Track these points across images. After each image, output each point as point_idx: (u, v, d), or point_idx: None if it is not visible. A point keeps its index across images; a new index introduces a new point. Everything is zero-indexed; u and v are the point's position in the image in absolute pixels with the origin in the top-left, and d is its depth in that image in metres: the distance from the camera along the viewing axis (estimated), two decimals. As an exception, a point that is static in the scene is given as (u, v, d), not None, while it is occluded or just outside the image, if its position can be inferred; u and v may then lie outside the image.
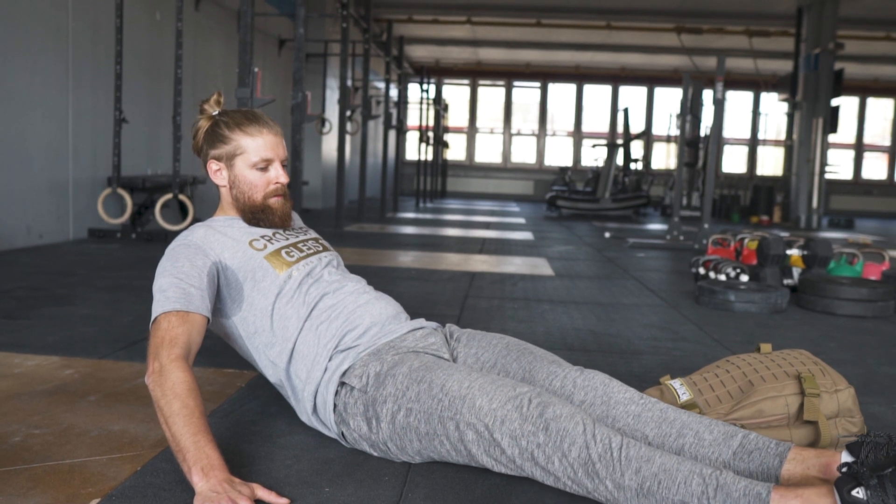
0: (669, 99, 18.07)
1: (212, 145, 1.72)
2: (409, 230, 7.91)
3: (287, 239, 1.74)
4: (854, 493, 1.17)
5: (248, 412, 1.80)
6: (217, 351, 2.27)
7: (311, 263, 1.70)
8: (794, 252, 4.28)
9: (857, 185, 18.17)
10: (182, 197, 5.55)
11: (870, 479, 1.17)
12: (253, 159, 1.70)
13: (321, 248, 1.78)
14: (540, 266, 5.08)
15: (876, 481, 1.17)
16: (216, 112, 1.76)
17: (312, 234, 1.85)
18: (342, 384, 1.55)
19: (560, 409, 1.34)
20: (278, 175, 1.73)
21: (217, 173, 1.74)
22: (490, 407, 1.37)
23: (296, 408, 1.65)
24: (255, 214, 1.73)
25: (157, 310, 1.51)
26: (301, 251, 1.72)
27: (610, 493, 1.28)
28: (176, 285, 1.53)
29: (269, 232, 1.74)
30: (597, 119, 18.79)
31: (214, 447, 1.30)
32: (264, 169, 1.72)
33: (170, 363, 1.40)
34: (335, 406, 1.55)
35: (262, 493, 1.29)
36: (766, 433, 1.54)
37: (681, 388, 1.65)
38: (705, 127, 11.26)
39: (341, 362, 1.56)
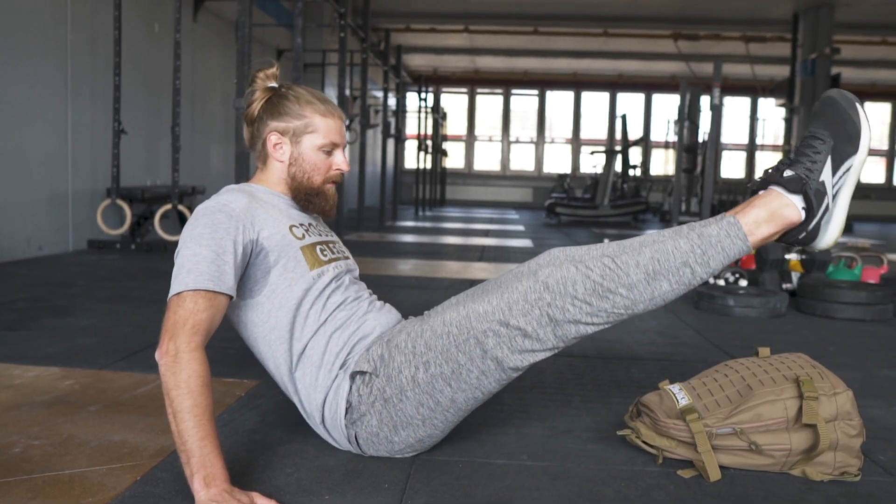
0: (667, 105, 18.10)
1: (277, 117, 1.65)
2: (408, 238, 7.91)
3: (320, 235, 1.69)
4: (785, 174, 1.47)
5: (248, 421, 1.80)
6: (217, 360, 2.27)
7: (340, 268, 1.66)
8: (792, 256, 4.29)
9: (856, 190, 18.03)
10: (181, 207, 5.56)
11: (789, 157, 1.49)
12: (322, 141, 1.65)
13: (345, 255, 1.75)
14: (539, 273, 5.07)
15: (794, 155, 1.49)
16: (273, 84, 1.68)
17: (335, 237, 1.80)
18: (354, 376, 1.53)
19: (547, 269, 1.48)
20: (341, 162, 1.69)
21: (277, 147, 1.66)
22: (492, 305, 1.47)
23: (299, 407, 1.60)
24: (308, 197, 1.68)
25: (186, 282, 1.40)
26: (333, 252, 1.68)
27: (626, 299, 1.45)
28: (212, 260, 1.43)
29: (306, 220, 1.68)
30: (595, 126, 18.83)
31: (219, 454, 1.30)
32: (329, 153, 1.68)
33: (189, 352, 1.34)
34: (348, 407, 1.53)
35: (261, 501, 1.29)
36: (766, 437, 1.54)
37: (679, 392, 1.65)
38: (703, 133, 11.27)
39: (349, 369, 1.56)
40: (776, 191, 1.48)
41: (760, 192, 1.51)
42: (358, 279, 1.76)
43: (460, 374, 1.47)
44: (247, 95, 1.69)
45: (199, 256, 1.43)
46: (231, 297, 1.46)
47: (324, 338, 1.57)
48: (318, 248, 1.63)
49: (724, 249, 1.46)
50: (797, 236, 1.49)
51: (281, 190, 1.69)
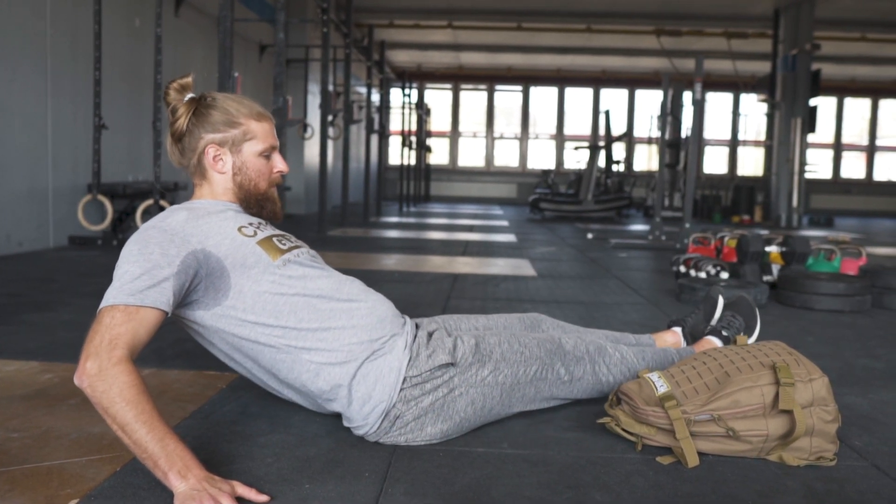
0: (650, 101, 18.20)
1: (211, 129, 1.61)
2: (392, 234, 7.91)
3: (273, 229, 1.68)
4: (723, 332, 2.18)
5: (229, 412, 1.80)
6: (198, 353, 2.26)
7: (303, 253, 1.64)
8: (773, 249, 4.32)
9: (837, 184, 18.37)
10: (163, 203, 5.52)
11: (724, 322, 2.21)
12: (262, 146, 1.64)
13: (302, 243, 1.72)
14: (523, 267, 5.10)
15: (725, 321, 2.21)
16: (191, 94, 1.64)
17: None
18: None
19: (589, 335, 1.92)
20: (281, 164, 1.69)
21: (217, 159, 1.62)
22: (552, 346, 1.75)
23: (309, 386, 1.57)
24: (260, 202, 1.67)
25: (106, 300, 1.38)
26: (290, 241, 1.66)
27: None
28: (137, 276, 1.39)
29: (255, 221, 1.65)
30: (579, 122, 18.89)
31: (185, 447, 1.29)
32: (268, 157, 1.67)
33: (112, 367, 1.29)
34: (404, 385, 1.55)
35: (242, 489, 1.29)
36: (743, 423, 1.56)
37: (658, 380, 1.66)
38: (686, 128, 11.32)
39: (388, 350, 1.58)
40: (714, 340, 2.16)
41: (706, 338, 2.17)
42: (323, 264, 1.74)
43: (513, 389, 1.67)
44: (169, 112, 1.63)
45: (128, 274, 1.40)
46: (163, 312, 1.41)
47: (337, 320, 1.56)
48: (274, 239, 1.61)
49: None
50: None
51: (228, 199, 1.66)
